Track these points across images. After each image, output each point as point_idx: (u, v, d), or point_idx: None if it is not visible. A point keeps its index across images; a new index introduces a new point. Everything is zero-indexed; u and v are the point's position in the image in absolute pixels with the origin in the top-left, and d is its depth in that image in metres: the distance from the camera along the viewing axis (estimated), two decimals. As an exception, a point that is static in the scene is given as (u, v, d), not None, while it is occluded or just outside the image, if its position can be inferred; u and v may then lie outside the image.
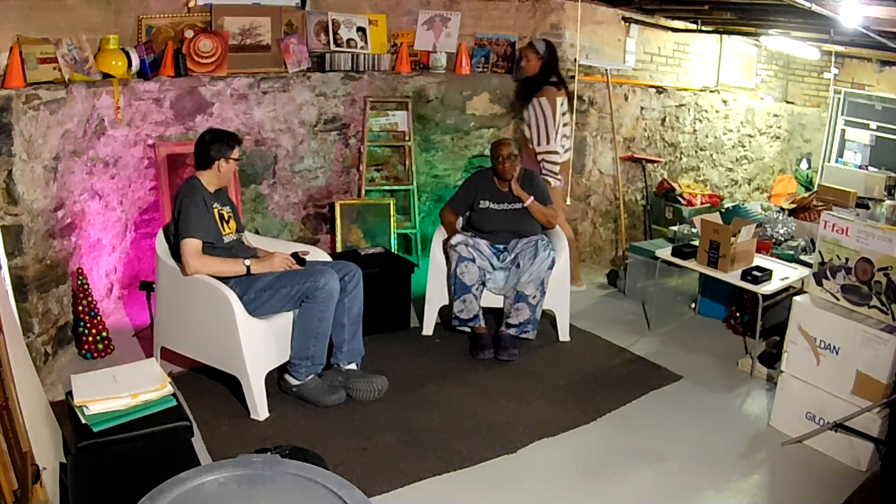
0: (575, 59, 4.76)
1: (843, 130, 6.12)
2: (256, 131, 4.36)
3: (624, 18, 5.23)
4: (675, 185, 5.49)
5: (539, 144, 4.28)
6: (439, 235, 3.82)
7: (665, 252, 3.93)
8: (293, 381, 3.06)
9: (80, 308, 3.37)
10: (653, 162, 5.48)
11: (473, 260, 3.58)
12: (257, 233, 4.19)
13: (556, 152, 4.26)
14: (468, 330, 3.69)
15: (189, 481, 1.51)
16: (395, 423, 2.95)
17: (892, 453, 2.58)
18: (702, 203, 5.32)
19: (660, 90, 5.49)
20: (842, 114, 6.10)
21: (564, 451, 2.83)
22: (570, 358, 3.65)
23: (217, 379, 3.16)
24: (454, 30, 4.90)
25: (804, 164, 6.72)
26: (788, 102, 6.96)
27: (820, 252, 2.93)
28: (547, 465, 2.74)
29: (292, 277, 2.99)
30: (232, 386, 3.06)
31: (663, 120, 5.59)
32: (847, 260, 2.83)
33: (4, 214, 2.95)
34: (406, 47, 4.80)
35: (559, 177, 4.30)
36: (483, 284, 3.65)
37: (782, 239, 4.32)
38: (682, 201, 5.34)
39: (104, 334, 3.42)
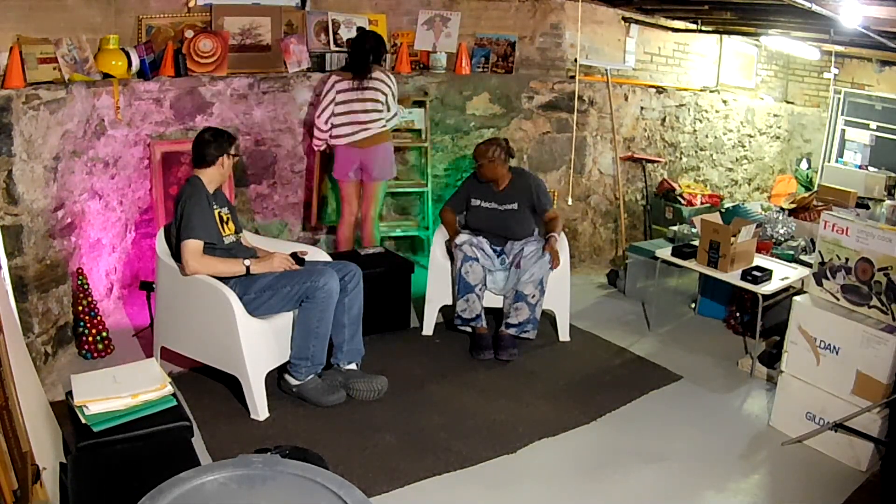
0: (575, 59, 4.76)
1: (843, 130, 6.12)
2: (256, 131, 4.36)
3: (624, 18, 5.23)
4: (675, 185, 5.49)
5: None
6: (439, 235, 3.82)
7: (665, 252, 3.93)
8: (293, 381, 3.06)
9: (80, 308, 3.37)
10: (653, 162, 5.48)
11: (478, 259, 3.58)
12: (257, 232, 4.19)
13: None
14: (470, 330, 3.69)
15: (189, 481, 1.51)
16: (395, 423, 2.95)
17: (892, 453, 2.58)
18: (702, 203, 5.32)
19: (660, 90, 5.49)
20: (842, 114, 6.10)
21: (564, 451, 2.83)
22: (570, 358, 3.65)
23: (217, 379, 3.16)
24: (454, 30, 4.90)
25: (804, 164, 6.72)
26: (788, 102, 6.96)
27: (820, 252, 2.93)
28: (547, 465, 2.74)
29: (292, 277, 2.98)
30: (232, 386, 3.06)
31: (663, 120, 5.59)
32: (847, 260, 2.83)
33: (4, 214, 2.95)
34: (406, 47, 4.80)
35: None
36: (485, 284, 3.64)
37: (782, 239, 4.32)
38: (682, 201, 5.33)
39: (104, 334, 3.42)
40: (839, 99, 6.09)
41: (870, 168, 5.83)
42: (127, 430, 2.22)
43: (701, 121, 5.93)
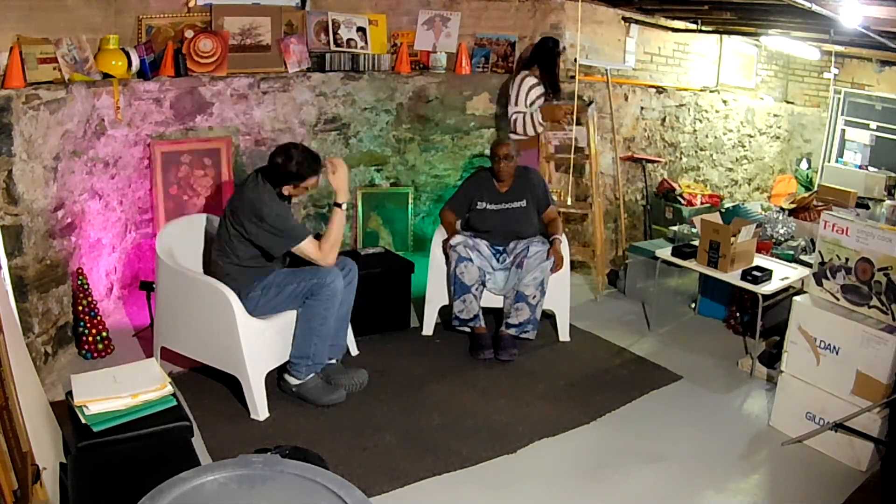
0: (575, 59, 4.76)
1: (843, 130, 6.12)
2: (256, 131, 4.36)
3: (624, 18, 5.23)
4: (675, 185, 5.50)
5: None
6: (439, 235, 3.82)
7: (665, 252, 3.93)
8: (293, 381, 3.06)
9: (80, 308, 3.37)
10: (653, 162, 5.48)
11: (472, 260, 3.58)
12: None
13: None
14: (468, 330, 3.69)
15: (189, 481, 1.51)
16: (395, 423, 2.95)
17: (892, 453, 2.58)
18: (702, 203, 5.33)
19: (660, 90, 5.49)
20: (842, 114, 6.10)
21: (564, 451, 2.83)
22: (570, 358, 3.65)
23: (217, 379, 3.16)
24: (454, 30, 4.90)
25: (804, 164, 6.72)
26: (788, 102, 6.96)
27: (820, 252, 2.93)
28: (547, 465, 2.74)
29: (297, 276, 2.99)
30: (232, 386, 3.06)
31: (663, 120, 5.59)
32: (847, 260, 2.83)
33: (4, 214, 2.95)
34: (406, 47, 4.80)
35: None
36: (483, 284, 3.65)
37: (782, 239, 4.32)
38: (682, 201, 5.34)
39: (104, 334, 3.42)
40: (839, 99, 6.10)
41: (870, 168, 5.83)
42: (127, 430, 2.21)
43: (701, 121, 5.93)
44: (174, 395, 2.41)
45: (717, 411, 3.19)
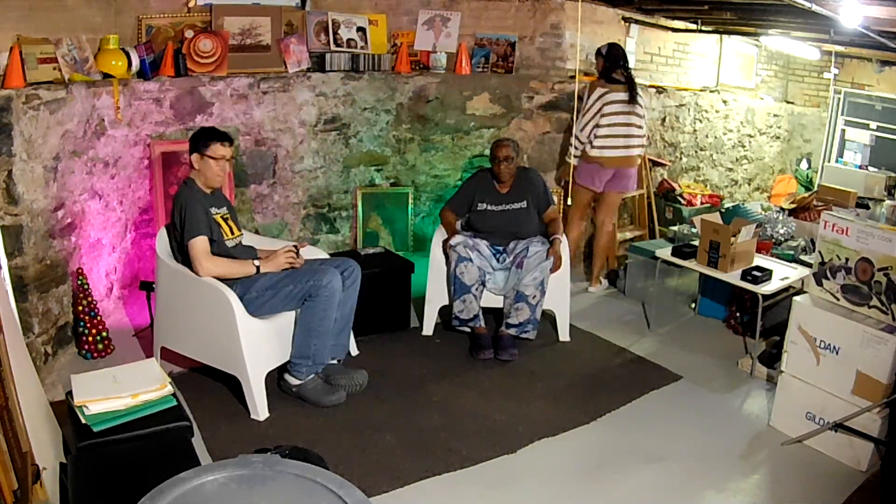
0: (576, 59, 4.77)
1: (843, 130, 6.13)
2: (256, 131, 4.36)
3: (624, 18, 5.23)
4: (675, 185, 5.50)
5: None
6: (439, 235, 3.82)
7: (665, 252, 3.93)
8: (293, 381, 3.06)
9: (80, 308, 3.37)
10: (659, 165, 5.48)
11: (472, 260, 3.58)
12: (257, 232, 4.19)
13: (576, 138, 4.36)
14: (468, 330, 3.69)
15: (189, 481, 1.51)
16: (395, 423, 2.95)
17: (892, 453, 2.58)
18: (702, 203, 5.33)
19: (660, 90, 5.49)
20: (842, 114, 6.10)
21: (564, 451, 2.83)
22: (570, 358, 3.65)
23: (217, 379, 3.16)
24: (454, 30, 4.91)
25: (804, 164, 6.72)
26: (788, 102, 6.96)
27: (820, 252, 2.93)
28: (547, 465, 2.74)
29: (295, 277, 2.99)
30: (232, 386, 3.06)
31: (663, 120, 5.59)
32: (847, 260, 2.83)
33: (4, 214, 2.95)
34: (406, 47, 4.80)
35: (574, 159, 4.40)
36: (483, 284, 3.65)
37: (782, 239, 4.32)
38: (682, 201, 5.34)
39: (104, 334, 3.42)
40: (839, 99, 6.10)
41: (870, 168, 5.84)
42: (127, 430, 2.21)
43: (701, 121, 5.93)
44: (174, 395, 2.41)
45: (717, 411, 3.18)
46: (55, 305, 3.29)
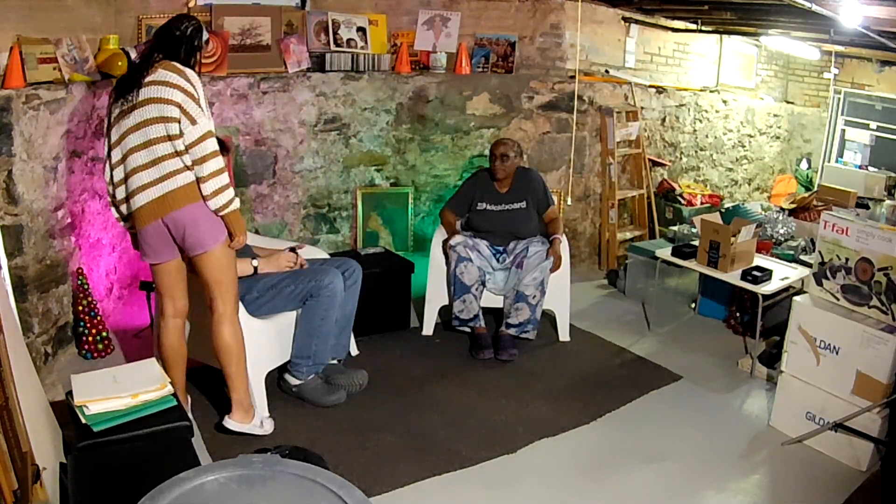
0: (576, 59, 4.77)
1: (843, 130, 6.13)
2: (256, 131, 4.36)
3: (624, 18, 5.23)
4: (675, 185, 5.50)
5: None
6: (439, 235, 3.82)
7: (665, 252, 3.93)
8: (293, 381, 3.06)
9: (80, 308, 3.37)
10: (660, 165, 5.48)
11: (472, 260, 3.58)
12: (257, 232, 4.19)
13: None
14: (468, 330, 3.69)
15: (189, 481, 1.51)
16: (395, 423, 2.95)
17: (892, 453, 2.58)
18: (702, 203, 5.33)
19: (660, 90, 5.49)
20: (842, 114, 6.10)
21: (564, 451, 2.83)
22: (570, 358, 3.65)
23: (217, 379, 3.16)
24: (454, 30, 4.90)
25: (804, 164, 6.72)
26: (788, 102, 6.96)
27: (820, 252, 2.93)
28: (547, 465, 2.74)
29: (296, 277, 2.99)
30: (232, 386, 3.05)
31: (663, 120, 5.59)
32: (847, 260, 2.83)
33: (4, 214, 2.95)
34: (406, 47, 4.80)
35: None
36: (483, 284, 3.65)
37: (782, 239, 4.32)
38: (682, 201, 5.34)
39: (104, 334, 3.42)
40: (839, 99, 6.10)
41: (870, 168, 5.84)
42: (127, 430, 2.21)
43: (701, 121, 5.93)
44: (174, 395, 2.41)
45: (717, 411, 3.18)
46: (55, 305, 3.29)
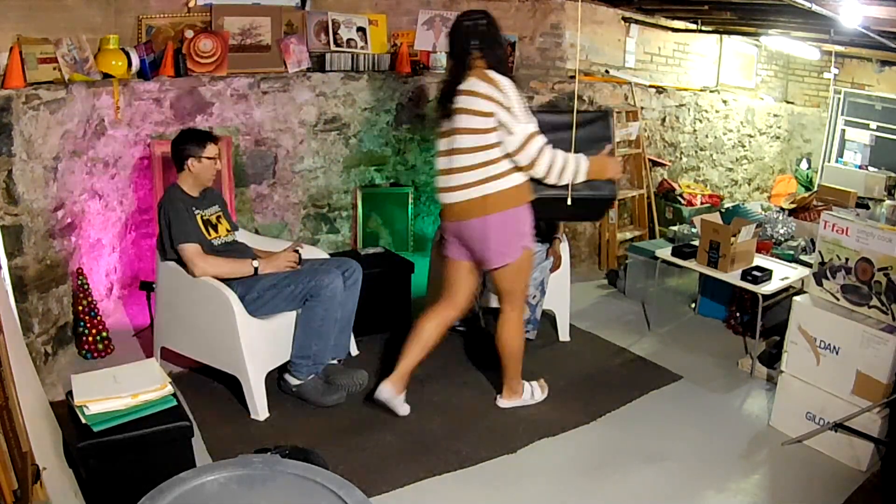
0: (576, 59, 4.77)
1: (843, 130, 6.13)
2: (256, 131, 4.36)
3: (624, 18, 5.23)
4: (675, 185, 5.50)
5: None
6: (439, 235, 3.81)
7: (665, 252, 3.93)
8: (293, 381, 3.06)
9: (80, 308, 3.37)
10: (660, 165, 5.48)
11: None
12: (257, 232, 4.19)
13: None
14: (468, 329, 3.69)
15: (189, 481, 1.51)
16: (395, 423, 2.95)
17: (892, 453, 2.58)
18: (702, 203, 5.33)
19: (660, 90, 5.49)
20: (842, 114, 6.10)
21: (564, 451, 2.83)
22: (570, 358, 3.65)
23: (217, 379, 3.16)
24: (454, 30, 4.90)
25: (804, 164, 6.72)
26: (788, 102, 6.96)
27: (820, 252, 2.93)
28: (547, 465, 2.74)
29: (296, 277, 2.99)
30: (232, 386, 3.06)
31: (663, 120, 5.59)
32: (847, 260, 2.83)
33: (4, 214, 2.95)
34: (406, 47, 4.80)
35: None
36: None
37: (782, 239, 4.32)
38: (682, 201, 5.34)
39: (104, 334, 3.42)
40: (839, 99, 6.10)
41: (870, 168, 5.84)
42: (127, 430, 2.21)
43: (701, 121, 5.93)
44: (174, 395, 2.41)
45: (717, 411, 3.18)
46: (55, 305, 3.29)
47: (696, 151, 5.99)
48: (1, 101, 2.88)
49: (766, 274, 3.52)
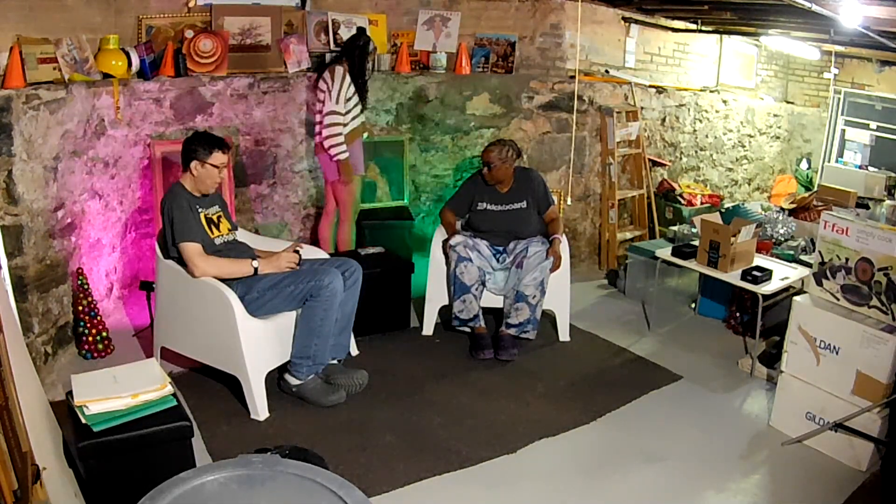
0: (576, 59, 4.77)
1: (843, 130, 6.12)
2: (256, 131, 4.36)
3: (624, 18, 5.23)
4: (675, 185, 5.50)
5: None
6: (439, 235, 3.82)
7: (665, 252, 3.93)
8: (293, 381, 3.06)
9: (80, 308, 3.37)
10: (660, 165, 5.48)
11: (472, 260, 3.59)
12: (257, 232, 4.19)
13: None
14: (468, 330, 3.69)
15: (189, 481, 1.51)
16: (395, 423, 2.95)
17: (892, 453, 2.58)
18: (702, 203, 5.33)
19: (660, 90, 5.49)
20: (842, 114, 6.10)
21: (564, 451, 2.83)
22: (570, 358, 3.65)
23: (217, 379, 3.16)
24: (454, 30, 4.90)
25: (804, 164, 6.72)
26: (788, 102, 6.96)
27: (820, 252, 2.93)
28: (547, 465, 2.74)
29: (296, 277, 2.99)
30: (232, 386, 3.06)
31: (663, 120, 5.59)
32: (847, 260, 2.83)
33: (4, 214, 2.95)
34: (406, 47, 4.80)
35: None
36: (483, 284, 3.65)
37: (782, 239, 4.32)
38: (682, 201, 5.34)
39: (104, 334, 3.42)
40: (839, 99, 6.10)
41: (870, 168, 5.83)
42: (127, 430, 2.22)
43: (701, 121, 5.93)
44: (174, 395, 2.41)
45: (717, 411, 3.19)
46: (55, 305, 3.29)
47: (696, 151, 5.99)
48: (1, 101, 2.88)
49: (766, 274, 3.52)
